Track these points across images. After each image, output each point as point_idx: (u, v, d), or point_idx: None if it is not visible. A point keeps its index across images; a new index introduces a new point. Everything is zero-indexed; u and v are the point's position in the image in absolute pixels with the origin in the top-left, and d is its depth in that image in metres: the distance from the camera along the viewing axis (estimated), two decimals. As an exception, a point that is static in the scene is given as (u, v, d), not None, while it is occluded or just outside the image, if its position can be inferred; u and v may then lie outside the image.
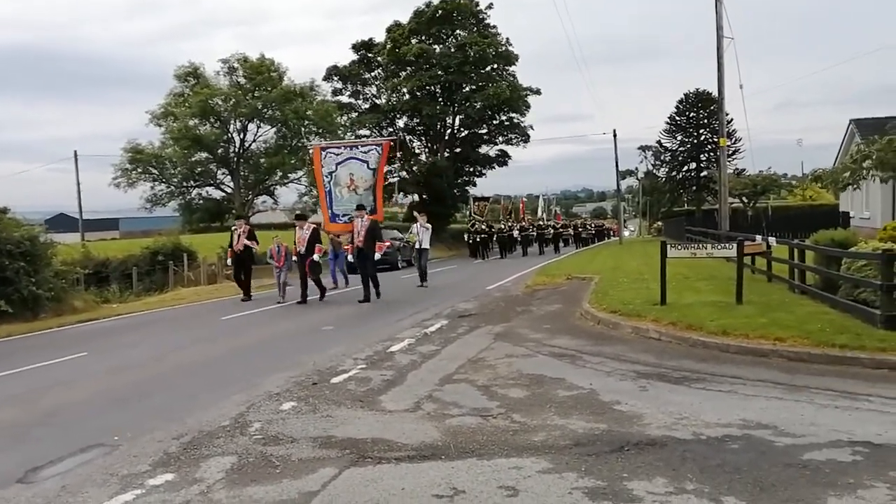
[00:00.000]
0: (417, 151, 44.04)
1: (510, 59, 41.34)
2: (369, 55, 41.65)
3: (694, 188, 47.61)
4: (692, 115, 47.19)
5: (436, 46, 40.36)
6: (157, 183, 34.15)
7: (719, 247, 10.58)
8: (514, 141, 43.35)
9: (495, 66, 40.97)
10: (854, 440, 4.31)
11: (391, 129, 42.88)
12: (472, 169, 44.49)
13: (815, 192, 43.28)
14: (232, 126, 34.06)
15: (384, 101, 41.83)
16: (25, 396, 6.81)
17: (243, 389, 6.42)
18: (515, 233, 32.72)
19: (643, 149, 62.02)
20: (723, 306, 9.26)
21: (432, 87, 40.41)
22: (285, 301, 13.96)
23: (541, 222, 37.92)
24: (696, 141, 46.91)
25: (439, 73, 39.09)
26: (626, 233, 52.47)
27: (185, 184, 34.64)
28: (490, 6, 40.99)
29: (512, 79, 41.19)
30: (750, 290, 10.19)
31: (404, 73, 40.15)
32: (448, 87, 40.44)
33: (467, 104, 40.31)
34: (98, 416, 5.92)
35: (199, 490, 4.02)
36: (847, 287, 8.84)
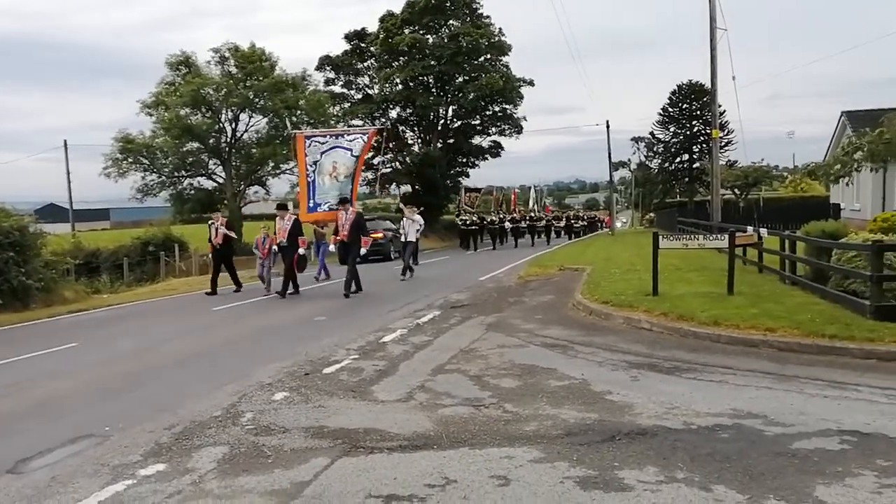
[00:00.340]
0: (410, 142, 43.93)
1: (503, 49, 41.23)
2: (362, 45, 41.44)
3: (686, 179, 47.69)
4: (685, 106, 47.21)
5: (429, 36, 40.19)
6: (148, 173, 33.84)
7: (711, 238, 10.61)
8: (508, 132, 43.33)
9: (488, 56, 40.85)
10: (843, 429, 4.35)
11: (384, 120, 42.73)
12: (465, 160, 44.46)
13: (807, 184, 43.49)
14: (224, 116, 33.81)
15: (377, 91, 41.64)
16: (15, 387, 6.77)
17: (235, 380, 6.41)
18: (507, 224, 32.60)
19: (636, 140, 62.12)
20: (714, 297, 9.30)
21: (425, 78, 40.26)
22: (271, 293, 13.77)
23: (532, 214, 37.77)
24: (688, 132, 46.96)
25: (432, 63, 38.94)
26: (619, 224, 52.61)
27: (176, 174, 34.36)
28: (483, -5, 40.81)
29: (505, 69, 41.09)
30: (741, 281, 10.24)
31: (397, 64, 39.97)
32: (441, 77, 40.30)
33: (460, 95, 40.20)
34: (89, 406, 5.90)
35: (190, 480, 4.02)
36: (837, 278, 8.89)
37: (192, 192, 34.64)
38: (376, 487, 3.76)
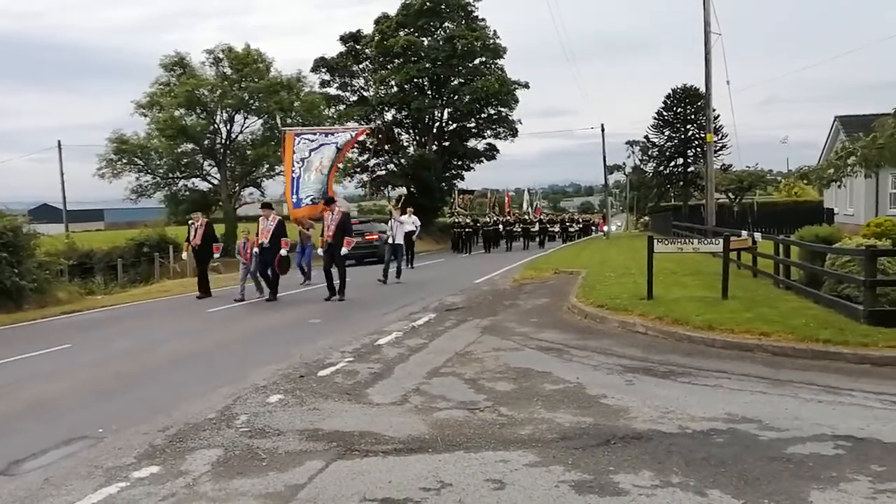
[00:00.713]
0: (405, 144, 43.93)
1: (498, 52, 41.30)
2: (357, 47, 41.47)
3: (681, 183, 47.89)
4: (679, 110, 47.42)
5: (424, 39, 40.24)
6: (142, 174, 33.77)
7: (706, 242, 10.65)
8: (503, 135, 43.40)
9: (483, 59, 40.92)
10: (837, 434, 4.36)
11: (379, 122, 42.75)
12: (460, 162, 44.50)
13: (801, 189, 43.65)
14: (218, 117, 33.77)
15: (372, 93, 41.66)
16: (8, 388, 6.74)
17: (230, 382, 6.39)
18: (501, 227, 32.47)
19: (630, 143, 62.25)
20: (709, 301, 9.32)
21: (420, 80, 40.30)
22: (241, 300, 13.01)
23: (526, 217, 37.63)
24: (683, 136, 47.16)
25: (427, 65, 38.98)
26: (613, 228, 52.67)
27: (170, 175, 34.30)
28: (478, -1, 40.91)
29: (500, 72, 41.17)
30: (735, 286, 10.27)
31: (392, 66, 40.00)
32: (436, 79, 40.34)
33: (455, 97, 40.27)
34: (82, 408, 5.87)
35: (184, 483, 4.00)
36: (831, 282, 8.93)
37: (187, 193, 34.56)
38: (371, 491, 3.76)
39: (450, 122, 43.36)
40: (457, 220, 30.86)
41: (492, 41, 40.87)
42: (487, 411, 5.20)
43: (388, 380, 6.34)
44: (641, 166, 56.78)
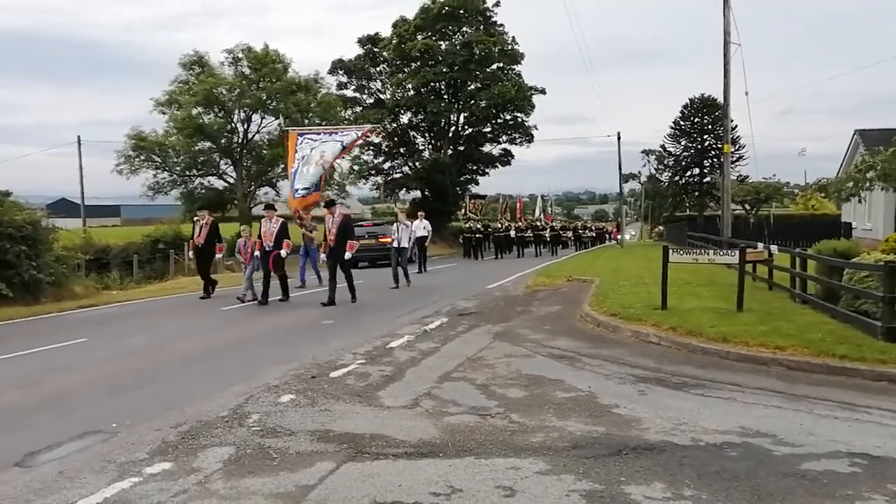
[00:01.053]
0: (421, 148, 44.04)
1: (516, 58, 41.31)
2: (375, 50, 41.63)
3: (696, 193, 47.55)
4: (697, 120, 47.11)
5: (441, 43, 40.33)
6: (159, 171, 34.10)
7: (721, 253, 10.58)
8: (518, 140, 43.37)
9: (501, 64, 40.94)
10: (853, 451, 4.31)
11: (395, 125, 42.89)
12: (475, 167, 44.52)
13: (818, 202, 43.27)
14: (236, 116, 34.05)
15: (389, 96, 41.81)
16: (25, 380, 6.81)
17: (242, 380, 6.43)
18: (512, 233, 31.66)
19: (646, 152, 62.12)
20: (723, 313, 9.26)
21: (437, 84, 40.40)
22: (244, 302, 12.78)
23: (538, 223, 37.11)
24: (699, 146, 46.84)
25: (444, 69, 39.05)
26: (627, 236, 52.44)
27: (187, 173, 34.58)
28: (497, 4, 40.98)
29: (517, 78, 41.15)
30: (750, 298, 10.19)
31: (409, 69, 40.11)
32: (453, 84, 40.42)
33: (472, 102, 40.28)
34: (97, 402, 5.93)
35: (196, 480, 4.02)
36: (848, 297, 8.83)
37: (203, 191, 34.82)
38: (381, 494, 3.76)
39: (465, 127, 43.41)
40: (468, 226, 30.32)
41: (510, 47, 40.90)
42: (498, 417, 5.18)
43: (400, 383, 6.34)
44: (657, 175, 56.57)
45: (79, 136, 40.94)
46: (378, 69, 42.60)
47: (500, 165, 44.48)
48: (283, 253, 12.65)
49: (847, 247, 10.76)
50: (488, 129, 43.43)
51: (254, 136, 34.56)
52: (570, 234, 39.58)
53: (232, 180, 34.55)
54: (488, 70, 40.37)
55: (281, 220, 13.05)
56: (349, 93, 42.42)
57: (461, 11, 39.95)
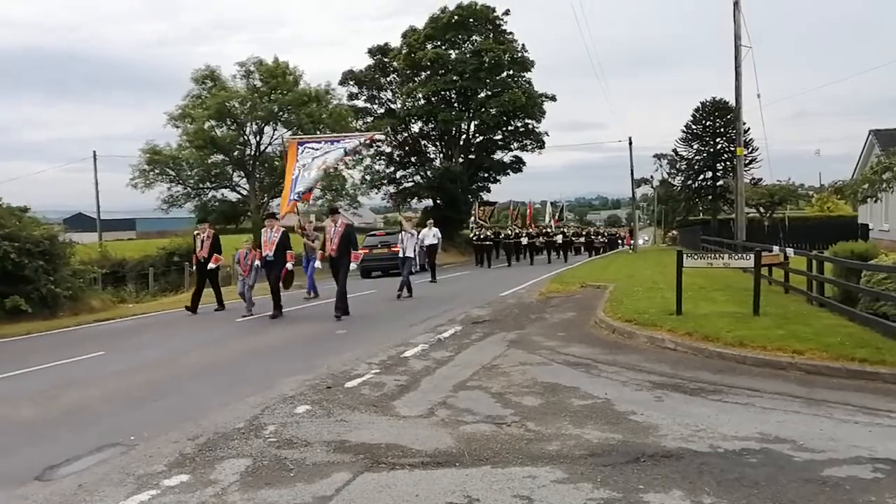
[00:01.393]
0: (432, 157, 44.17)
1: (526, 65, 41.39)
2: (385, 60, 41.87)
3: (709, 197, 47.31)
4: (708, 123, 46.95)
5: (451, 52, 40.49)
6: (173, 184, 34.48)
7: (736, 257, 10.49)
8: (529, 147, 43.40)
9: (511, 72, 41.03)
10: (875, 457, 4.25)
11: (406, 134, 43.06)
12: (486, 175, 44.55)
13: (834, 204, 42.85)
14: (248, 129, 34.38)
15: (399, 105, 42.01)
16: (44, 394, 6.88)
17: (258, 391, 6.45)
18: (524, 240, 31.39)
19: (658, 157, 61.94)
20: (739, 317, 9.17)
21: (447, 93, 40.53)
22: (251, 315, 12.55)
23: (549, 229, 36.75)
24: (712, 150, 46.65)
25: (454, 78, 39.18)
26: (640, 241, 52.10)
27: (201, 185, 34.93)
28: (507, 13, 41.14)
29: (527, 85, 41.22)
30: (767, 302, 10.09)
31: (419, 78, 40.30)
32: (463, 92, 40.53)
33: (482, 110, 40.38)
34: (114, 415, 5.97)
35: (213, 492, 4.04)
36: (867, 300, 8.74)
37: (217, 203, 35.12)
38: (398, 504, 3.75)
39: (476, 135, 43.50)
40: (477, 233, 29.90)
41: (519, 54, 41.00)
42: (514, 426, 5.16)
43: (415, 392, 6.34)
44: (669, 180, 56.34)
45: (94, 152, 41.63)
46: (388, 79, 42.85)
47: (511, 173, 44.52)
48: (289, 266, 12.37)
49: (865, 248, 10.66)
50: (499, 137, 43.49)
51: (266, 147, 34.85)
52: (582, 239, 39.38)
53: (245, 192, 34.82)
54: (498, 78, 40.47)
55: (282, 229, 12.65)
56: (360, 103, 42.69)
57: (471, 20, 40.13)
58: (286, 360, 8.31)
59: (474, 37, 40.87)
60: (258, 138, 34.57)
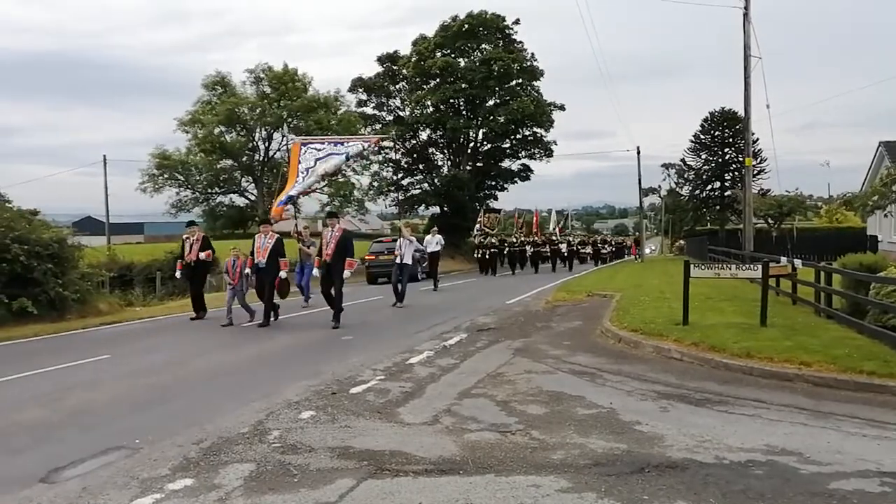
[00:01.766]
0: (440, 164, 44.26)
1: (535, 74, 41.50)
2: (394, 67, 42.09)
3: (717, 207, 47.19)
4: (717, 133, 46.89)
5: (460, 60, 40.67)
6: (182, 189, 34.74)
7: (744, 268, 10.45)
8: (537, 156, 43.42)
9: (520, 80, 41.13)
10: (883, 471, 4.21)
11: (414, 141, 43.19)
12: (494, 183, 44.61)
13: (843, 215, 42.62)
14: (257, 134, 34.63)
15: (408, 113, 42.17)
16: (50, 396, 6.90)
17: (263, 397, 6.46)
18: (528, 248, 31.21)
19: (666, 166, 61.80)
20: (746, 328, 9.13)
21: (456, 101, 40.68)
22: (229, 324, 12.01)
23: (554, 237, 36.51)
24: (720, 160, 46.57)
25: (463, 86, 39.34)
26: (647, 251, 51.92)
27: (209, 190, 35.20)
28: (517, 21, 41.28)
29: (536, 94, 41.31)
30: (774, 313, 10.05)
31: (428, 86, 40.45)
32: (472, 100, 40.67)
33: (491, 118, 40.48)
34: (120, 418, 5.98)
35: (217, 497, 4.04)
36: (875, 312, 8.68)
37: (225, 208, 35.35)
38: (402, 511, 3.74)
39: (484, 143, 43.61)
40: (478, 241, 29.61)
41: (529, 63, 41.11)
42: (519, 434, 5.15)
43: (420, 399, 6.33)
44: (677, 189, 56.19)
45: (104, 156, 41.72)
46: (397, 87, 43.07)
47: (519, 181, 44.56)
48: (283, 275, 11.93)
49: (874, 260, 10.59)
50: (507, 145, 43.57)
51: (275, 153, 35.08)
52: (588, 248, 39.27)
53: (253, 197, 35.04)
54: (507, 86, 40.59)
55: (276, 235, 12.25)
56: (369, 110, 42.92)
57: (481, 29, 40.32)
58: (292, 365, 8.32)
59: (484, 45, 41.04)
60: (267, 144, 34.83)
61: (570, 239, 37.87)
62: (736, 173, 43.90)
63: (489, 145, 43.62)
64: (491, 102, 40.86)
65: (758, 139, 39.17)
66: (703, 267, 10.73)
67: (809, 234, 37.08)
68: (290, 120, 33.65)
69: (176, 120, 33.79)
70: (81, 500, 4.05)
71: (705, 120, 47.55)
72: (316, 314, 13.51)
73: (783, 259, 13.06)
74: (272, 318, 12.13)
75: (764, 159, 43.16)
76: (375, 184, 40.74)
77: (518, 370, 7.57)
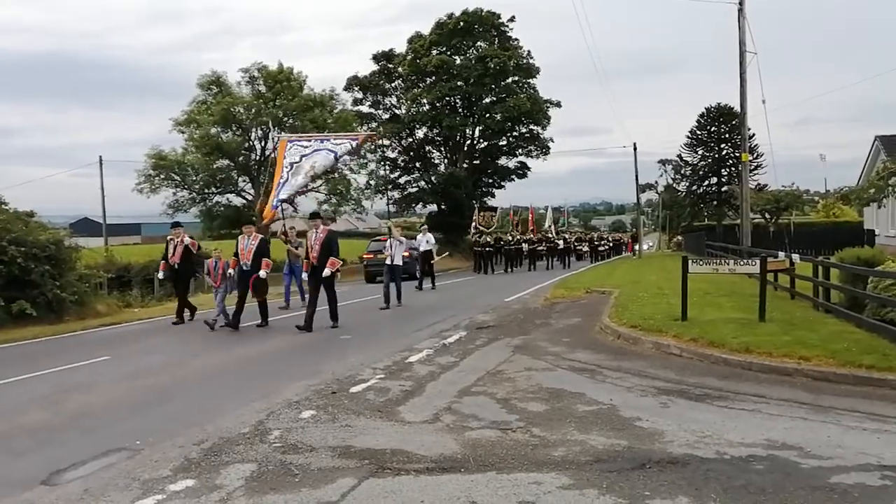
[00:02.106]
0: (436, 162, 44.25)
1: (531, 71, 41.48)
2: (390, 66, 42.03)
3: (714, 203, 47.20)
4: (713, 129, 46.86)
5: (456, 58, 40.62)
6: (179, 189, 34.66)
7: (742, 263, 10.47)
8: (534, 153, 43.42)
9: (516, 78, 41.11)
10: (883, 464, 4.22)
11: (411, 140, 43.15)
12: (491, 180, 44.61)
13: (840, 209, 42.68)
14: (253, 134, 34.58)
15: (404, 111, 42.13)
16: (50, 398, 6.89)
17: (263, 396, 6.45)
18: (525, 246, 30.98)
19: (663, 162, 61.79)
20: (745, 323, 9.14)
21: (452, 99, 40.67)
22: (215, 328, 11.64)
23: (549, 235, 36.42)
24: (717, 155, 46.55)
25: (459, 84, 39.30)
26: (645, 247, 51.94)
27: (206, 190, 35.12)
28: (512, 19, 41.26)
29: (532, 91, 41.29)
30: (773, 308, 10.06)
31: (424, 84, 40.42)
32: (468, 98, 40.66)
33: (487, 116, 40.46)
34: (120, 419, 5.98)
35: (218, 497, 4.04)
36: (874, 306, 8.69)
37: (222, 208, 35.28)
38: (404, 510, 3.74)
39: (481, 140, 43.59)
40: (477, 239, 29.51)
41: (525, 61, 41.10)
42: (520, 432, 5.15)
43: (420, 398, 6.33)
44: (674, 185, 56.19)
45: (100, 157, 41.64)
46: (393, 85, 43.02)
47: (516, 178, 44.59)
48: (262, 274, 11.46)
49: (871, 254, 10.62)
50: (504, 143, 43.56)
51: (271, 153, 35.01)
52: (585, 245, 39.23)
53: (250, 197, 34.94)
54: (503, 84, 40.57)
55: (260, 237, 12.05)
56: (365, 109, 42.86)
57: (476, 26, 40.29)
58: (291, 365, 8.31)
59: (480, 43, 41.01)
60: (263, 143, 34.74)
61: (567, 236, 37.79)
62: (732, 168, 43.91)
63: (486, 143, 43.61)
64: (487, 100, 40.85)
65: (754, 134, 39.28)
66: (701, 263, 10.75)
67: (807, 228, 37.17)
68: (286, 119, 33.59)
69: (171, 120, 33.74)
70: (83, 501, 4.05)
71: (701, 115, 47.52)
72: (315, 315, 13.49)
73: (781, 254, 13.09)
74: (260, 323, 11.75)
75: (760, 154, 43.23)
76: (372, 182, 40.73)
77: (518, 367, 7.58)
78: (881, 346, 7.33)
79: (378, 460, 4.56)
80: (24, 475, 4.52)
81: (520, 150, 43.60)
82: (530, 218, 42.24)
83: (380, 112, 43.34)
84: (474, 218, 31.29)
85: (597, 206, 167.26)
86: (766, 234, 33.47)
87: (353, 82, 42.05)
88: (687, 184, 49.99)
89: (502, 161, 44.31)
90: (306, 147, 13.31)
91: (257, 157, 34.64)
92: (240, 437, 5.18)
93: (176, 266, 12.78)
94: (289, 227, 14.78)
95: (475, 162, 43.53)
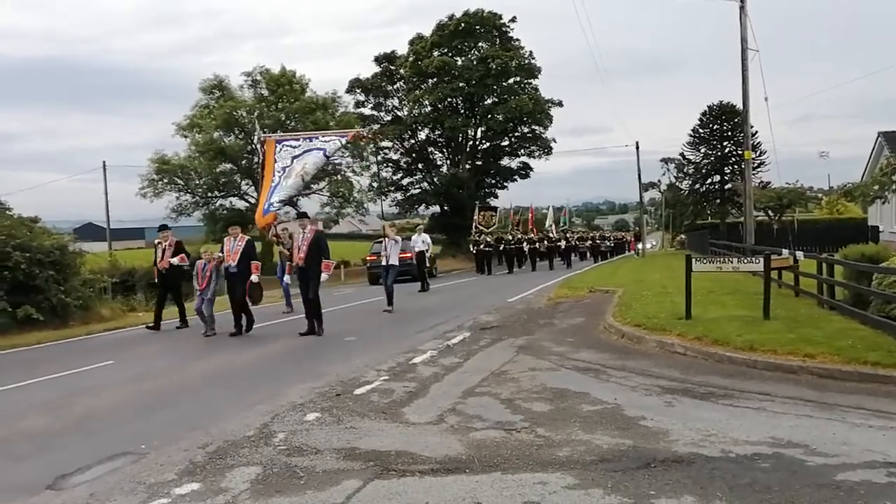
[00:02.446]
0: (439, 163, 44.26)
1: (533, 72, 41.50)
2: (391, 67, 42.10)
3: (718, 201, 47.04)
4: (716, 127, 46.71)
5: (458, 59, 40.65)
6: (182, 193, 34.77)
7: (745, 261, 10.44)
8: (536, 153, 43.42)
9: (517, 78, 41.13)
10: (890, 461, 4.20)
11: (413, 141, 43.19)
12: (493, 181, 44.61)
13: (843, 206, 42.52)
14: (256, 137, 34.63)
15: (406, 112, 42.17)
16: (55, 403, 6.91)
17: (267, 399, 6.46)
18: (525, 246, 30.66)
19: (665, 161, 61.52)
20: (749, 321, 9.12)
21: (454, 100, 40.70)
22: (214, 333, 11.48)
23: (550, 234, 36.21)
24: (719, 153, 46.39)
25: (461, 85, 39.34)
26: (648, 246, 51.77)
27: (209, 194, 35.21)
28: (513, 20, 41.27)
29: (534, 91, 41.29)
30: (777, 305, 10.03)
31: (426, 86, 40.45)
32: (470, 99, 40.69)
33: (489, 116, 40.48)
34: (125, 423, 5.99)
35: (224, 500, 4.04)
36: (878, 303, 8.66)
37: (225, 212, 35.36)
38: (409, 511, 3.74)
39: (483, 141, 43.60)
40: (478, 239, 29.35)
41: (526, 61, 41.11)
42: (524, 432, 5.15)
43: (424, 399, 6.33)
44: (677, 184, 56.03)
45: (104, 162, 41.73)
46: (395, 86, 43.07)
47: (518, 178, 44.59)
48: (254, 278, 11.12)
49: (875, 251, 10.58)
50: (506, 143, 43.58)
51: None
52: (588, 244, 39.09)
53: (253, 200, 34.99)
54: (505, 84, 40.60)
55: (247, 238, 11.76)
56: (367, 111, 42.97)
57: (477, 27, 40.32)
58: (295, 367, 8.32)
59: (481, 44, 41.03)
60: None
61: (568, 235, 37.59)
62: (735, 166, 43.78)
63: (488, 144, 43.63)
64: (489, 101, 40.87)
65: (756, 132, 39.08)
66: (704, 261, 10.73)
67: (810, 225, 37.04)
68: (288, 122, 33.67)
69: (174, 125, 33.86)
70: (89, 506, 4.06)
71: (704, 114, 47.37)
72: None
73: (785, 251, 13.04)
74: (244, 330, 11.41)
75: (763, 152, 43.03)
76: (375, 184, 40.78)
77: (522, 368, 7.57)
78: (886, 342, 7.29)
79: (383, 462, 4.56)
80: (30, 480, 4.53)
81: (522, 151, 43.65)
82: (530, 217, 42.05)
83: (382, 114, 43.43)
84: (475, 218, 31.21)
85: (600, 205, 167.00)
86: (770, 231, 33.36)
87: (354, 84, 42.13)
88: (690, 182, 49.81)
89: (505, 162, 44.38)
90: (296, 148, 13.04)
91: (260, 161, 34.71)
92: (244, 440, 5.18)
93: (164, 271, 12.50)
94: (281, 228, 14.62)
95: (477, 163, 43.55)
